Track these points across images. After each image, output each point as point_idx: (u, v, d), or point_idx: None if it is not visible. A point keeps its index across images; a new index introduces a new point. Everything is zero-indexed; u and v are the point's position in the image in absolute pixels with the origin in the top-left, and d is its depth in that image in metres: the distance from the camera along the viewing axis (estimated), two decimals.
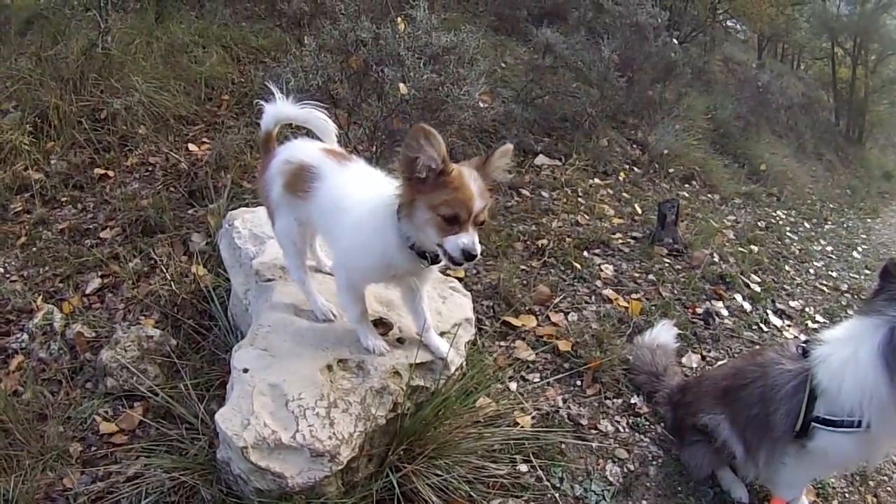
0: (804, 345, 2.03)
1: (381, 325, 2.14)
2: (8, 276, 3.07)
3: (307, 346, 1.97)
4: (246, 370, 1.86)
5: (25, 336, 2.61)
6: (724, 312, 3.59)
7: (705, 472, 2.29)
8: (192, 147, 4.44)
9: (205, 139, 4.59)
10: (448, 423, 2.07)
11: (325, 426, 1.74)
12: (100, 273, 3.11)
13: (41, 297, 2.91)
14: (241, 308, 2.41)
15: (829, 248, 6.35)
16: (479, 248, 1.62)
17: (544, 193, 4.92)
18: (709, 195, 6.36)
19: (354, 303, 1.96)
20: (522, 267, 3.67)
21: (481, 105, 4.01)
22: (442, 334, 2.19)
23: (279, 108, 2.13)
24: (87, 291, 2.98)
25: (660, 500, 2.24)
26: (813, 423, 1.89)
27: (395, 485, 1.86)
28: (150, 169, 4.18)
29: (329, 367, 1.92)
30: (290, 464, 1.69)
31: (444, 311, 2.34)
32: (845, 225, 8.19)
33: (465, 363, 2.23)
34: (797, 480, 2.14)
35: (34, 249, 3.27)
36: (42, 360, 2.51)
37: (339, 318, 2.13)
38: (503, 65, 6.37)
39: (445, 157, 1.59)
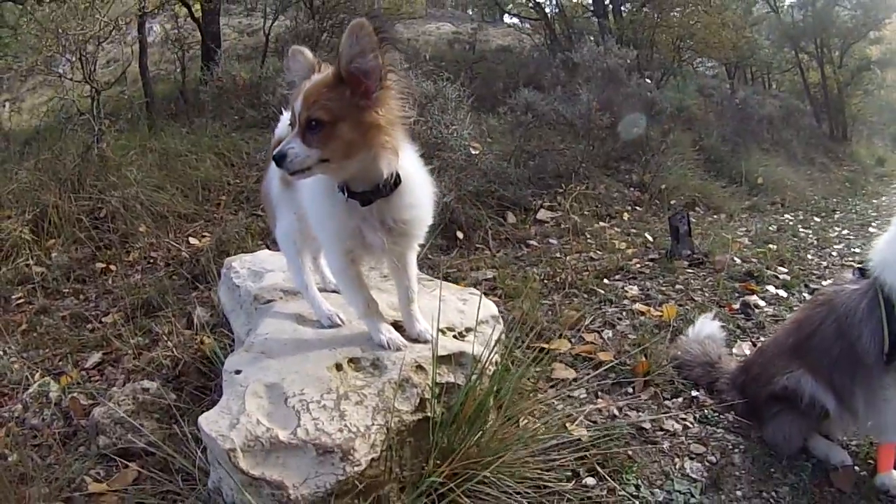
0: (860, 266, 1.85)
1: (398, 330, 1.91)
2: (7, 356, 2.89)
3: (312, 348, 1.72)
4: (238, 371, 1.60)
5: (19, 406, 2.38)
6: (762, 303, 3.34)
7: (796, 444, 1.97)
8: (192, 240, 4.42)
9: (205, 234, 4.58)
10: (490, 429, 1.78)
11: (334, 419, 1.44)
12: (101, 351, 2.93)
13: (39, 373, 2.71)
14: None
15: (845, 232, 6.16)
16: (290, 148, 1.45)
17: (552, 241, 4.84)
18: (714, 216, 6.31)
19: (355, 289, 1.74)
20: (545, 302, 3.46)
21: (473, 151, 3.99)
22: (468, 331, 1.96)
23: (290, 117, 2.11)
24: (87, 366, 2.79)
25: (755, 486, 1.90)
26: None
27: None
28: (151, 262, 4.13)
29: (338, 366, 1.65)
30: (292, 469, 1.36)
31: (467, 309, 2.11)
32: (854, 211, 8.06)
33: (498, 360, 1.96)
34: None
35: (35, 335, 3.13)
36: (34, 426, 2.27)
37: (348, 325, 1.90)
38: (487, 131, 6.49)
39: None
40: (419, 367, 1.71)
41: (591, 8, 13.27)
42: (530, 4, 13.70)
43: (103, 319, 3.32)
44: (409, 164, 1.58)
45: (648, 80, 6.39)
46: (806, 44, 16.46)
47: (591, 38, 10.63)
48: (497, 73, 8.12)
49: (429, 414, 1.66)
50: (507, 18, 16.45)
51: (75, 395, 2.43)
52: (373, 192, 1.53)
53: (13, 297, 3.56)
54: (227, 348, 2.68)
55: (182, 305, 3.40)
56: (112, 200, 4.33)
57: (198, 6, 7.83)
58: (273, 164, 1.89)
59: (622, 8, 12.83)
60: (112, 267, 3.93)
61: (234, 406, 1.48)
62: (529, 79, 7.34)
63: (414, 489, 1.57)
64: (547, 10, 13.40)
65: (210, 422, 1.43)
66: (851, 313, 1.77)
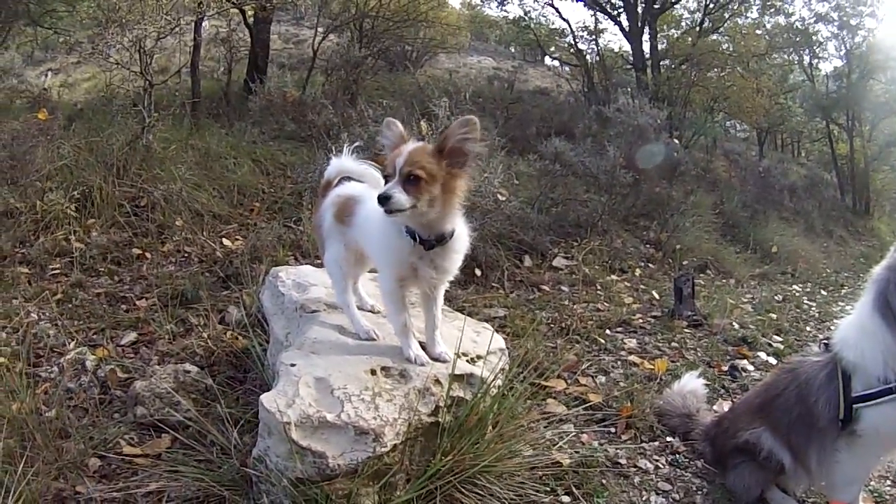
0: (825, 341, 2.09)
1: (424, 350, 2.21)
2: (42, 320, 3.11)
3: (352, 354, 2.07)
4: (293, 364, 1.94)
5: (55, 370, 2.61)
6: (750, 368, 3.57)
7: (754, 493, 2.19)
8: (226, 242, 4.63)
9: (238, 237, 4.79)
10: (486, 441, 2.06)
11: (370, 409, 1.79)
12: (136, 332, 3.17)
13: (75, 342, 2.93)
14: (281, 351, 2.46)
15: (849, 308, 6.22)
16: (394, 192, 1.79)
17: (564, 288, 5.05)
18: (724, 280, 6.49)
19: (398, 310, 2.09)
20: (548, 344, 3.70)
21: (500, 198, 4.30)
22: (479, 357, 2.28)
23: (343, 162, 2.45)
24: (122, 343, 3.02)
25: None
26: (854, 405, 1.87)
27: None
28: (185, 255, 4.35)
29: (373, 372, 1.99)
30: (333, 444, 1.71)
31: (479, 340, 2.43)
32: (862, 287, 8.11)
33: (500, 385, 2.24)
34: (854, 475, 2.03)
35: (70, 306, 3.35)
36: (70, 389, 2.49)
37: (382, 340, 2.24)
38: (515, 175, 6.80)
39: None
40: (437, 381, 2.03)
41: (631, 60, 13.61)
42: (572, 50, 14.08)
43: (137, 303, 3.55)
44: (460, 223, 2.01)
45: (676, 141, 6.70)
46: (837, 115, 16.48)
47: (629, 90, 10.90)
48: (532, 115, 8.54)
49: (440, 420, 1.98)
50: (547, 60, 16.89)
51: (113, 367, 2.68)
52: (436, 240, 1.94)
53: (50, 266, 3.80)
54: (261, 345, 2.96)
55: (214, 301, 3.62)
56: (155, 192, 4.60)
57: (251, 12, 8.05)
58: (327, 198, 2.35)
59: (661, 63, 13.15)
60: (147, 255, 4.18)
61: (289, 391, 1.82)
62: (562, 126, 7.68)
63: (419, 480, 1.88)
64: (588, 57, 13.65)
65: (270, 400, 1.77)
66: (811, 381, 2.01)
